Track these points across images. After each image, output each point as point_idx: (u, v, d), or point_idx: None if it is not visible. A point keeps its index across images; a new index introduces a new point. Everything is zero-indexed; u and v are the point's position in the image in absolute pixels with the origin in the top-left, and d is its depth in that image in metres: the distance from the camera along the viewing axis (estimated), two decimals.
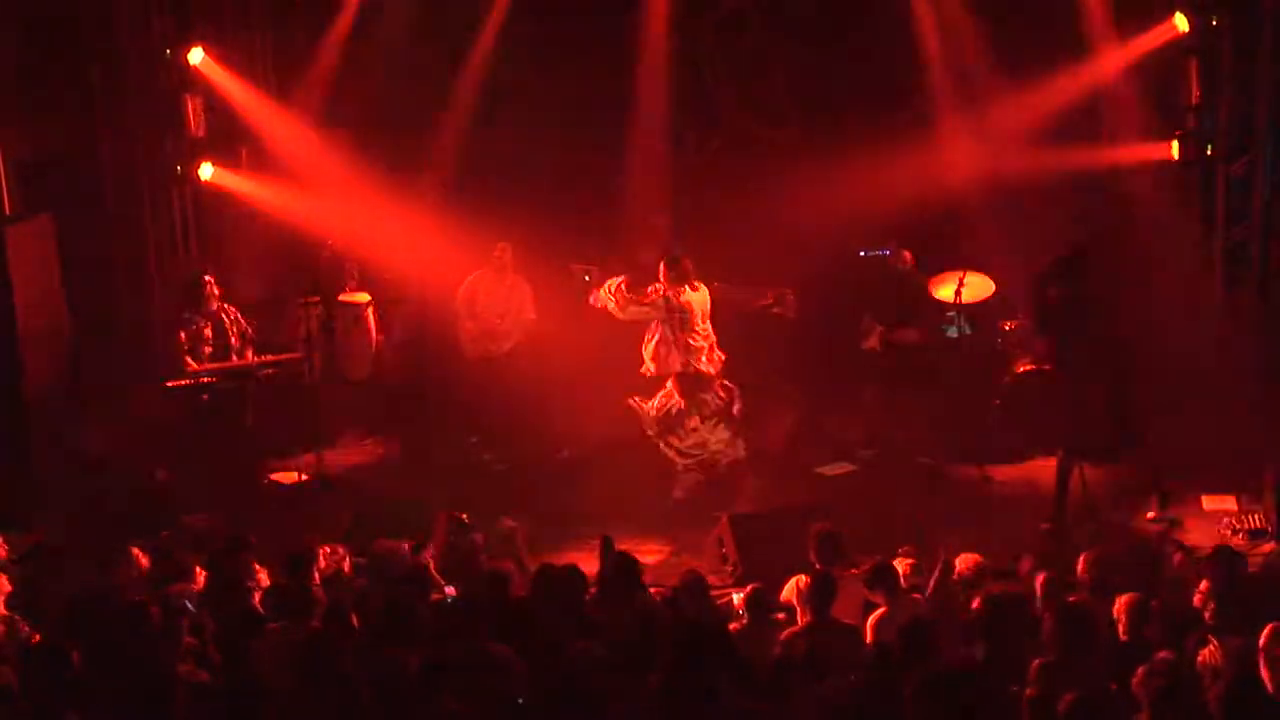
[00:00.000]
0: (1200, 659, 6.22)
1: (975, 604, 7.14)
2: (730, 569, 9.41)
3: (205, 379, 11.21)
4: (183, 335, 11.31)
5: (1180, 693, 5.71)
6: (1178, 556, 8.38)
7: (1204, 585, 7.04)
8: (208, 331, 11.38)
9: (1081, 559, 7.60)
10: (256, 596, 7.68)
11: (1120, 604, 6.73)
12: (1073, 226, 12.05)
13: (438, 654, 6.60)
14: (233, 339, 11.46)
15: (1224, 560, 7.46)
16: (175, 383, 11.16)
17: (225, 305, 11.58)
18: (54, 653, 6.31)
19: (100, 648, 6.44)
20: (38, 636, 7.00)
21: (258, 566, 8.09)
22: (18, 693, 6.13)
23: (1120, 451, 10.28)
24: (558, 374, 12.56)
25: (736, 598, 8.08)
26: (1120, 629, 6.67)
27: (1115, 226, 12.09)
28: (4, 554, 8.14)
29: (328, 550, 8.31)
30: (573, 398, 12.20)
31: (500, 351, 12.28)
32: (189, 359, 11.27)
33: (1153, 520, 10.03)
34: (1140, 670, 5.84)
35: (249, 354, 11.54)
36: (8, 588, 7.36)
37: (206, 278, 11.52)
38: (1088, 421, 10.05)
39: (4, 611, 7.14)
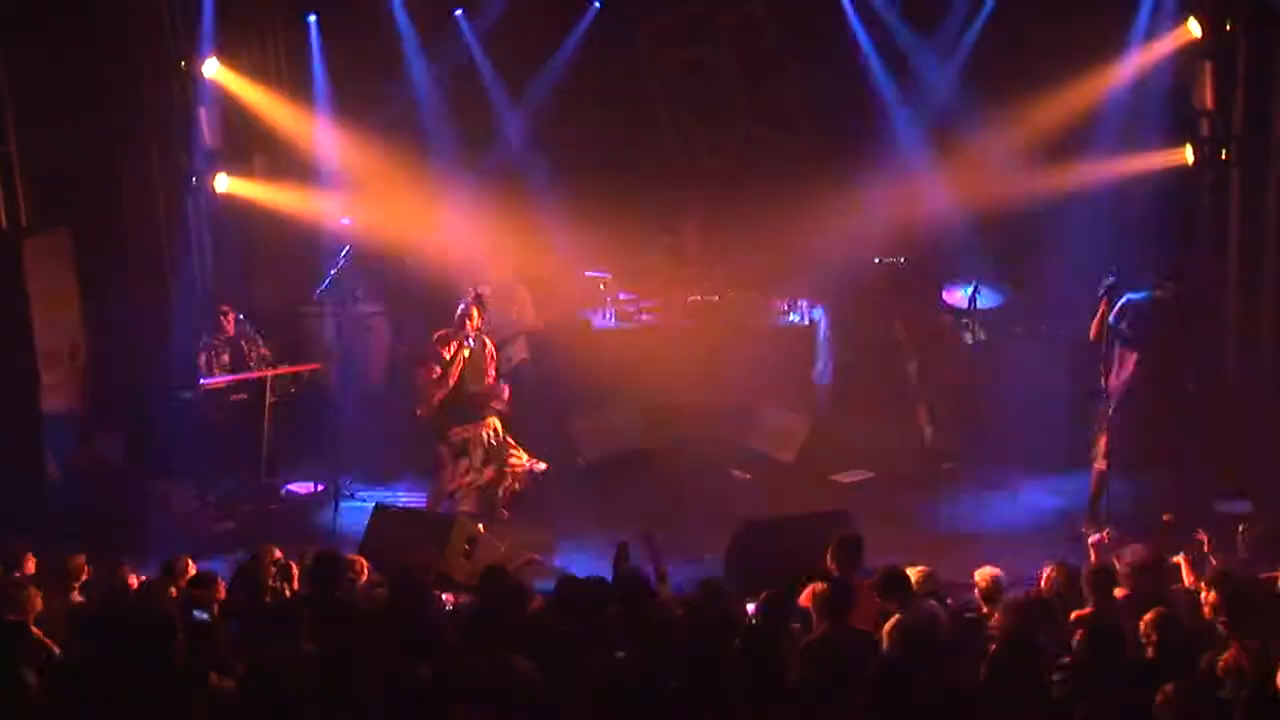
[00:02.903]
0: (1222, 664, 6.15)
1: (994, 618, 7.13)
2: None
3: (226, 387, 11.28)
4: (202, 358, 11.33)
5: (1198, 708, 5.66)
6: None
7: (1212, 598, 6.98)
8: (225, 356, 11.40)
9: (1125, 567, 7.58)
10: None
11: (1148, 620, 6.63)
12: (1084, 231, 12.05)
13: (454, 664, 6.61)
14: (251, 365, 11.48)
15: (1228, 579, 7.41)
16: (213, 384, 11.20)
17: (245, 330, 11.59)
18: (76, 667, 6.32)
19: (123, 658, 6.46)
20: (58, 649, 7.04)
21: (295, 568, 8.14)
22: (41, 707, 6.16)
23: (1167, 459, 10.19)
24: (571, 383, 12.59)
25: (751, 606, 8.06)
26: (1150, 648, 6.56)
27: (1130, 233, 12.06)
28: (32, 569, 8.14)
29: (345, 559, 8.30)
30: (587, 406, 12.22)
31: (508, 368, 12.27)
32: (209, 374, 11.31)
33: (1168, 524, 9.97)
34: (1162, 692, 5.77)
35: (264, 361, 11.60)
36: (39, 605, 7.35)
37: (223, 308, 11.52)
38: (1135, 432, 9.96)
39: (36, 630, 7.13)
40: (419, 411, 11.02)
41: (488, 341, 11.15)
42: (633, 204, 13.33)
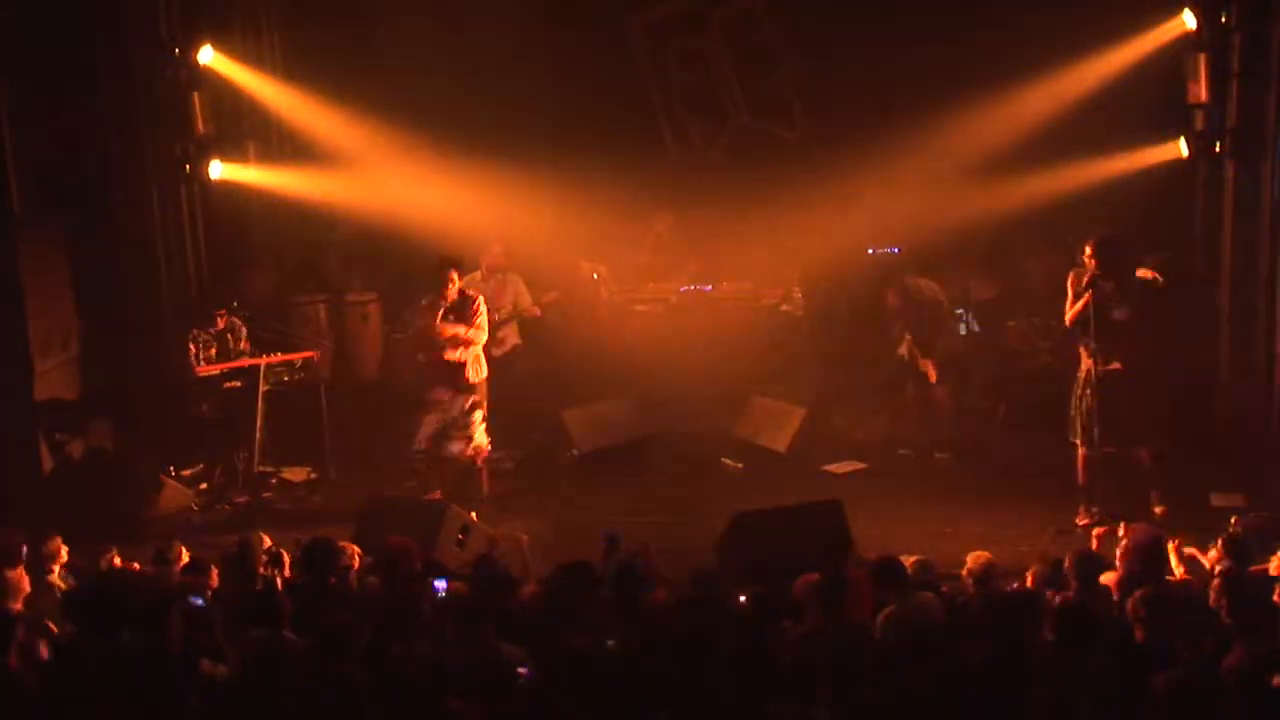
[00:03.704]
0: (1227, 663, 6.16)
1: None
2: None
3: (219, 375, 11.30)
4: (192, 347, 11.36)
5: (1199, 694, 5.67)
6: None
7: (1216, 583, 7.00)
8: (213, 350, 11.42)
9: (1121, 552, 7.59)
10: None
11: (1136, 598, 6.63)
12: (1082, 223, 12.05)
13: (444, 652, 6.62)
14: (233, 359, 11.51)
15: (1234, 549, 7.45)
16: (207, 370, 11.23)
17: (234, 321, 11.60)
18: (72, 651, 6.33)
19: (117, 644, 6.47)
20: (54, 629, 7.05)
21: (286, 556, 8.14)
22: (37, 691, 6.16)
23: (1150, 445, 10.19)
24: (564, 372, 12.60)
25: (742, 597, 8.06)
26: (1138, 630, 6.58)
27: (1123, 224, 12.07)
28: (25, 552, 8.14)
29: (338, 547, 8.31)
30: (580, 396, 12.23)
31: (500, 353, 12.27)
32: (195, 365, 11.35)
33: (1162, 515, 10.00)
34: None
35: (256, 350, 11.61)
36: (27, 588, 7.38)
37: (220, 312, 11.56)
38: (1124, 416, 9.98)
39: (21, 609, 7.14)
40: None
41: (472, 303, 10.94)
42: (626, 193, 13.34)
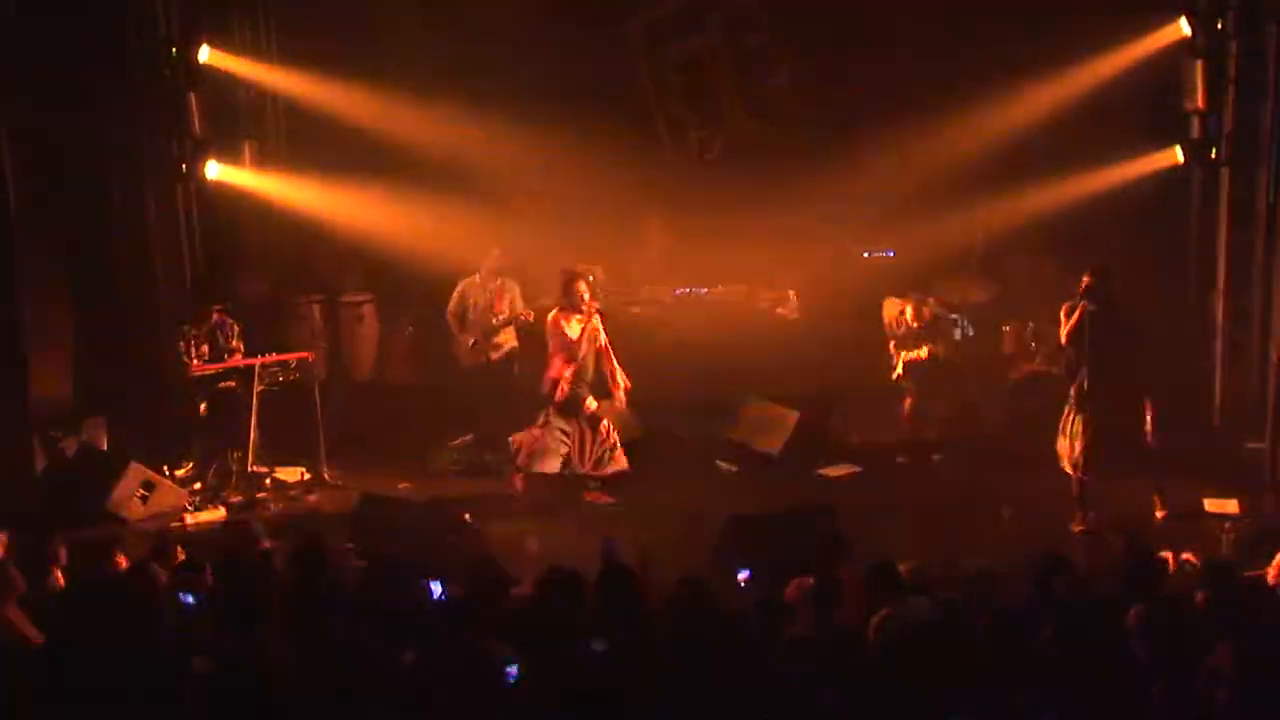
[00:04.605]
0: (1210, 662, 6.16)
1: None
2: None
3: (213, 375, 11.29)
4: (181, 345, 11.36)
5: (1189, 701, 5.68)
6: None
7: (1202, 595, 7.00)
8: (205, 347, 11.41)
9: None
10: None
11: (1133, 616, 6.62)
12: (1078, 229, 12.08)
13: (435, 652, 6.61)
14: (226, 356, 11.50)
15: (1217, 573, 7.44)
16: (201, 369, 11.23)
17: (226, 320, 11.58)
18: (61, 650, 6.32)
19: (108, 641, 6.46)
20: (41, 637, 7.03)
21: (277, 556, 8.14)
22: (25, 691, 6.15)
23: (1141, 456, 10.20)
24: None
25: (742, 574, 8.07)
26: (1138, 645, 6.55)
27: (1120, 229, 12.10)
28: (4, 552, 8.12)
29: (332, 547, 8.32)
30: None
31: (498, 356, 12.29)
32: (189, 361, 11.34)
33: (1162, 520, 10.00)
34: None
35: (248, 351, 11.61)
36: (21, 587, 7.36)
37: (216, 307, 11.55)
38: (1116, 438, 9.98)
39: (15, 610, 7.13)
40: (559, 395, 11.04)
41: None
42: (622, 195, 13.33)
